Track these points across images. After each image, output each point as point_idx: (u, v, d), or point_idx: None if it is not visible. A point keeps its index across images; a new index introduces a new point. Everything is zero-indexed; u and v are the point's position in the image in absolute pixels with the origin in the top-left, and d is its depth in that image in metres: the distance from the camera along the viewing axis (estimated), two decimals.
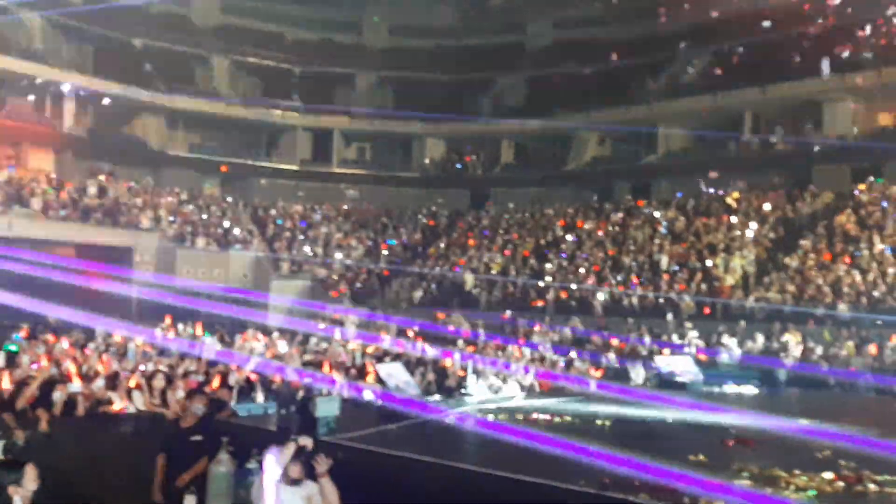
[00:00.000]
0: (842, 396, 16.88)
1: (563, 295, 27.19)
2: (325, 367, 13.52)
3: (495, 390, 13.70)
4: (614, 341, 20.78)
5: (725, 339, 19.94)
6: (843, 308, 21.60)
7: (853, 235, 24.96)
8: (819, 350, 18.94)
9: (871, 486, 7.10)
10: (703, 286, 25.12)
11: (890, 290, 21.75)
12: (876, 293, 21.82)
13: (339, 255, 32.99)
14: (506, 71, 40.53)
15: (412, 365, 13.94)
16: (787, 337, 19.66)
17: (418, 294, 30.10)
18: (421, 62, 40.89)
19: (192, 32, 39.15)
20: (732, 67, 33.38)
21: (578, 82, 37.57)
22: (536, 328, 23.09)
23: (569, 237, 31.41)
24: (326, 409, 9.08)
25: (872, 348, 17.84)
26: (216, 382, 10.97)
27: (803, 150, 30.58)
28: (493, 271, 30.21)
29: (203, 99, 36.92)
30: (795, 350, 19.03)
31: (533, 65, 40.14)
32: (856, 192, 27.20)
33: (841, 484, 7.18)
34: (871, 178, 27.72)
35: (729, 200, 29.52)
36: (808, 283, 23.39)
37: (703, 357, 18.68)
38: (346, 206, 38.38)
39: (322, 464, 6.23)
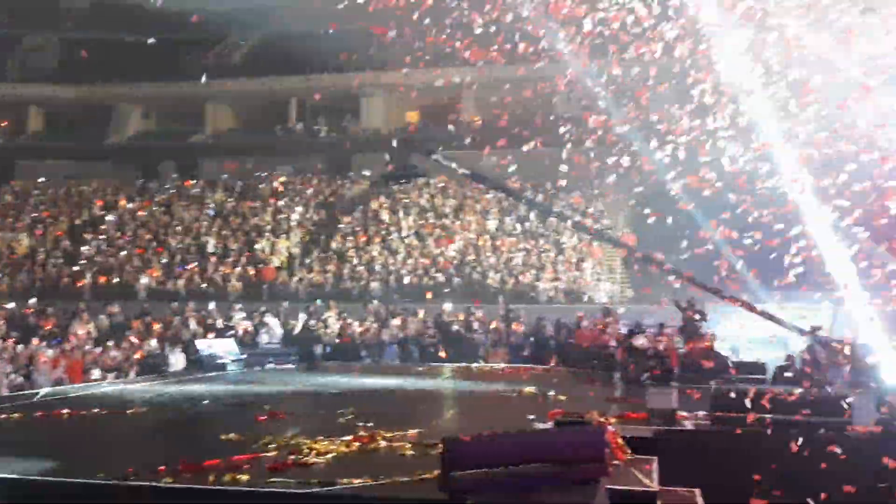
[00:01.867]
0: (373, 366, 18.38)
1: (103, 279, 25.31)
2: None
3: None
4: (157, 326, 19.92)
5: (269, 319, 20.33)
6: (374, 287, 23.58)
7: (386, 220, 27.36)
8: (356, 326, 20.33)
9: (382, 444, 7.72)
10: (250, 268, 25.41)
11: (413, 270, 24.28)
12: (404, 272, 24.23)
13: None
14: (36, 30, 36.21)
15: None
16: (326, 314, 20.75)
17: None
18: None
19: None
20: (282, 53, 34.13)
21: (121, 51, 35.09)
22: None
23: (109, 217, 29.29)
24: None
25: (397, 322, 19.71)
26: None
27: (343, 138, 32.65)
28: (18, 253, 26.90)
29: None
30: (334, 326, 20.18)
31: (69, 26, 36.49)
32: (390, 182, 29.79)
33: (357, 444, 7.67)
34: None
35: (275, 184, 30.24)
36: (347, 264, 25.05)
37: (246, 338, 18.88)
38: None
39: None
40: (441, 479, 5.75)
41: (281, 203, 29.04)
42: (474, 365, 17.61)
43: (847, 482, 7.49)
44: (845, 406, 8.35)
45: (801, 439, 7.93)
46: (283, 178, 30.65)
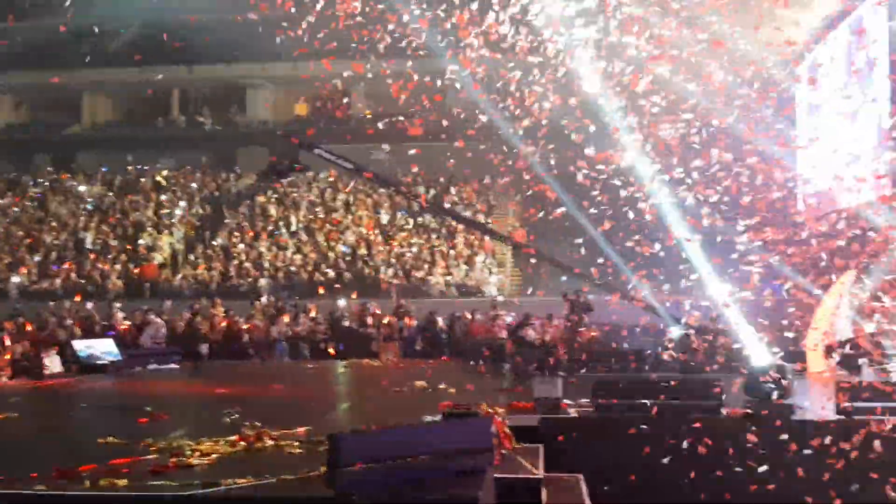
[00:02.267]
0: (261, 365, 18.03)
1: None
2: None
3: None
4: (30, 327, 18.90)
5: (152, 317, 19.62)
6: (263, 283, 23.15)
7: (273, 215, 26.87)
8: (243, 323, 19.87)
9: (269, 443, 7.59)
10: (131, 265, 24.49)
11: (303, 265, 23.97)
12: (292, 269, 23.87)
13: None
14: None
15: None
16: (212, 312, 20.20)
17: None
18: None
19: None
20: (164, 42, 32.90)
21: None
22: None
23: None
24: None
25: (286, 318, 19.40)
26: None
27: (229, 131, 31.85)
28: None
29: None
30: (220, 325, 19.68)
31: None
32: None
33: (243, 444, 7.51)
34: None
35: (157, 178, 29.20)
36: (233, 260, 24.48)
37: (127, 338, 18.20)
38: None
39: None
40: (327, 476, 5.69)
41: (164, 198, 28.08)
42: (366, 360, 17.56)
43: (718, 464, 7.89)
44: (717, 390, 8.77)
45: (677, 424, 8.30)
46: (165, 172, 29.62)
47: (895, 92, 14.15)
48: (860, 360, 9.21)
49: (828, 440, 7.69)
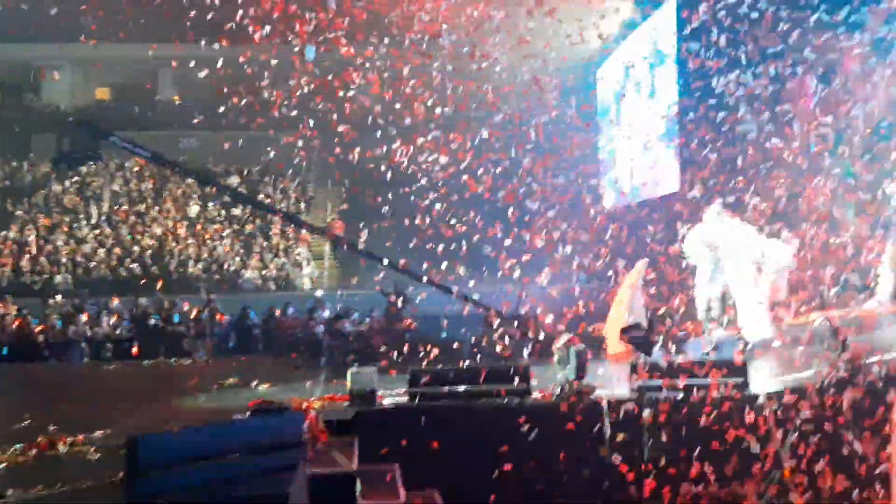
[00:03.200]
0: (58, 367, 16.83)
1: None
2: None
3: None
4: None
5: None
6: (59, 279, 21.58)
7: (71, 206, 25.10)
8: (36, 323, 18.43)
9: (64, 449, 7.12)
10: None
11: (105, 261, 22.57)
12: (93, 264, 22.40)
13: None
14: None
15: None
16: (2, 310, 18.58)
17: None
18: None
19: None
20: None
21: None
22: None
23: None
24: None
25: (85, 317, 18.18)
26: None
27: (22, 116, 29.33)
28: None
29: None
30: (12, 325, 18.14)
31: None
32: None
33: (34, 451, 7.00)
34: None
35: None
36: (26, 255, 22.64)
37: None
38: None
39: None
40: (126, 481, 5.36)
41: None
42: (174, 360, 16.79)
43: (532, 450, 8.20)
44: (526, 375, 9.12)
45: (488, 410, 8.56)
46: None
47: (683, 86, 15.33)
48: (652, 343, 9.89)
49: (622, 416, 8.24)
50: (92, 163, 24.07)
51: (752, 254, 10.66)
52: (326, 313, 17.59)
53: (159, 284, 21.29)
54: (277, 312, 18.20)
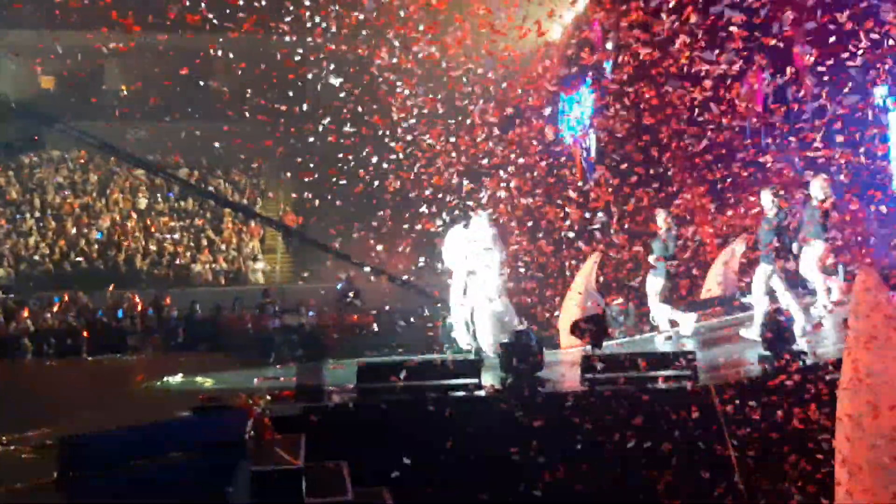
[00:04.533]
0: None
1: None
2: None
3: None
4: None
5: None
6: (1, 273, 21.01)
7: (15, 199, 24.39)
8: None
9: None
10: None
11: (49, 255, 21.99)
12: (36, 258, 21.81)
13: None
14: None
15: None
16: None
17: None
18: None
19: None
20: None
21: None
22: None
23: None
24: None
25: (27, 313, 17.67)
26: None
27: None
28: None
29: None
30: None
31: None
32: (21, 155, 26.52)
33: None
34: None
35: None
36: None
37: None
38: None
39: None
40: (59, 482, 5.19)
41: None
42: (119, 355, 16.40)
43: (477, 438, 8.15)
44: (478, 368, 9.08)
45: (437, 402, 8.49)
46: None
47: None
48: (602, 335, 9.92)
49: (572, 408, 8.25)
50: (32, 152, 23.38)
51: None
52: (277, 307, 17.38)
53: (105, 279, 20.85)
54: (227, 307, 17.92)
